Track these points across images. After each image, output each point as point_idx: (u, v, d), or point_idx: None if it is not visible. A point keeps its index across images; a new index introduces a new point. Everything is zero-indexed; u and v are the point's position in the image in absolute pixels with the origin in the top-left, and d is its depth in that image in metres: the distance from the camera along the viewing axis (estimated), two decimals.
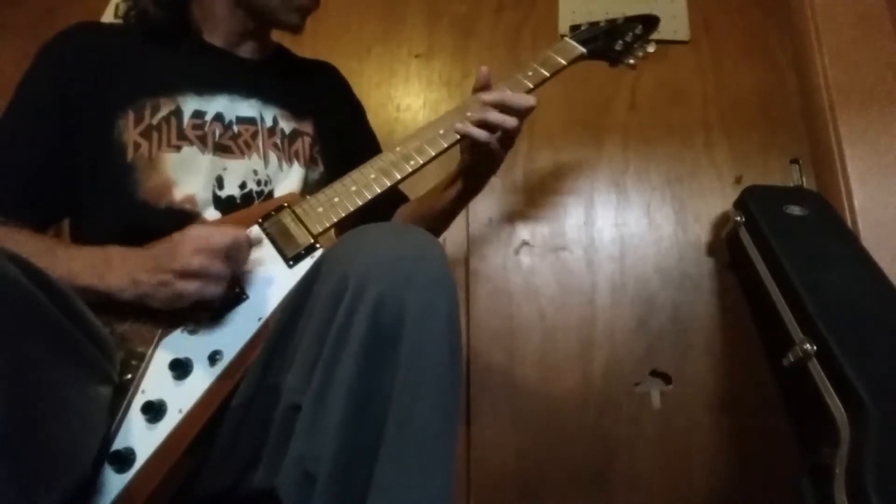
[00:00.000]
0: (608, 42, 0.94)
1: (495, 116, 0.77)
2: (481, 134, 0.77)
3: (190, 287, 0.63)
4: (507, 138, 0.80)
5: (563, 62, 0.89)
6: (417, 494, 0.50)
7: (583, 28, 0.95)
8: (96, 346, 0.60)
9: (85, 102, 0.77)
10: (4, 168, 0.76)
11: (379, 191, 0.77)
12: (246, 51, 0.89)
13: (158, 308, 0.66)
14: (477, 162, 0.84)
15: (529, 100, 0.79)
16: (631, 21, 0.96)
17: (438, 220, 0.94)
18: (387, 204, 0.96)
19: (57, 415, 0.52)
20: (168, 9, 0.83)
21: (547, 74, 0.87)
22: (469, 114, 0.79)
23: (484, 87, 0.81)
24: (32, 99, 0.78)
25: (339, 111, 0.98)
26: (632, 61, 0.96)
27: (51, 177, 0.76)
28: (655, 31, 0.96)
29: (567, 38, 0.92)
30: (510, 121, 0.77)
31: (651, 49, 0.96)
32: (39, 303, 0.51)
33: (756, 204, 1.16)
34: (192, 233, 0.65)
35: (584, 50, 0.91)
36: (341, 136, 0.94)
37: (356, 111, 1.05)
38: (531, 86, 0.86)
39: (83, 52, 0.79)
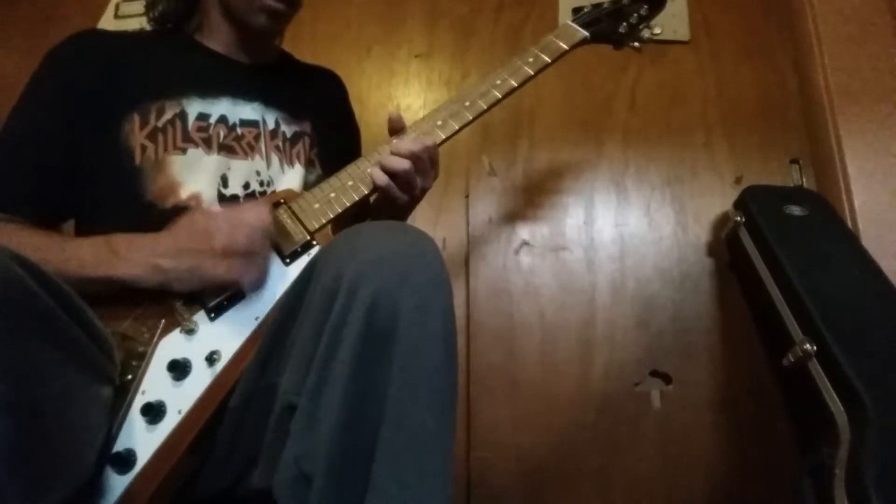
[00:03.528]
0: (612, 24, 0.91)
1: (391, 161, 0.75)
2: (380, 178, 0.75)
3: (234, 266, 0.64)
4: (404, 184, 0.76)
5: (565, 47, 0.86)
6: (415, 494, 0.50)
7: (585, 10, 0.92)
8: (98, 347, 0.60)
9: (90, 106, 0.78)
10: (10, 167, 0.76)
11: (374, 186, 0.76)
12: (246, 56, 0.89)
13: (181, 291, 0.66)
14: (383, 204, 0.81)
15: (415, 145, 0.74)
16: (636, 1, 0.92)
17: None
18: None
19: (61, 416, 0.52)
20: (174, 20, 0.88)
21: (548, 60, 0.85)
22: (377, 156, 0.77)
23: (397, 129, 0.79)
24: (38, 101, 0.79)
25: (335, 117, 0.98)
26: (636, 44, 0.94)
27: (56, 177, 0.77)
28: (661, 12, 0.93)
29: (569, 22, 0.89)
30: (401, 163, 0.74)
31: (657, 31, 0.94)
32: (44, 304, 0.51)
33: (756, 204, 1.16)
34: (217, 215, 0.66)
35: (586, 33, 0.88)
36: (335, 141, 0.94)
37: (350, 122, 1.05)
38: (532, 72, 0.84)
39: (89, 57, 0.80)
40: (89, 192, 0.78)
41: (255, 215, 0.66)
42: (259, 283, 0.68)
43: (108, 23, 1.45)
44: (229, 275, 0.65)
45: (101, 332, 0.61)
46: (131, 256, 0.66)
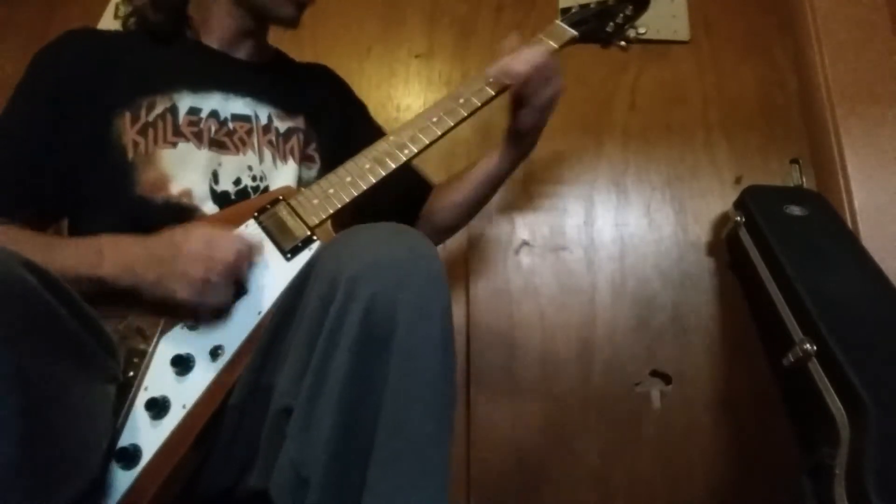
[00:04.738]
0: (599, 24, 0.94)
1: (510, 63, 0.79)
2: (513, 69, 0.79)
3: (194, 290, 0.64)
4: (535, 86, 0.80)
5: (555, 45, 0.89)
6: (412, 497, 0.50)
7: (573, 11, 0.95)
8: (102, 346, 0.60)
9: (81, 104, 0.78)
10: (1, 170, 0.76)
11: (374, 181, 0.77)
12: (241, 52, 0.90)
13: (151, 301, 0.66)
14: (518, 121, 0.85)
15: (535, 53, 0.79)
16: (621, 2, 0.96)
17: (487, 186, 0.94)
18: (411, 196, 0.98)
19: (66, 415, 0.52)
20: (166, 12, 0.85)
21: None
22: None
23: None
24: (29, 101, 0.79)
25: (335, 108, 0.98)
26: (623, 43, 0.97)
27: (47, 179, 0.77)
28: (645, 12, 0.97)
29: (558, 22, 0.92)
30: (522, 64, 0.78)
31: (642, 31, 0.97)
32: (47, 303, 0.52)
33: (756, 204, 1.16)
34: (196, 236, 0.65)
35: (575, 33, 0.91)
36: (340, 132, 0.94)
37: (355, 107, 1.05)
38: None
39: (79, 56, 0.80)
40: (81, 190, 0.78)
41: (225, 252, 0.65)
42: (217, 312, 0.67)
43: (107, 23, 1.45)
44: (189, 297, 0.64)
45: (104, 331, 0.61)
46: (113, 256, 0.66)
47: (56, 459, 0.50)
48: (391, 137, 0.81)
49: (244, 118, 0.84)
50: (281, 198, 0.76)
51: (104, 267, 0.66)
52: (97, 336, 0.59)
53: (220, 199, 0.79)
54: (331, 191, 0.76)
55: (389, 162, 0.78)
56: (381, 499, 0.50)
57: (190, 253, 0.64)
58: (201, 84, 0.83)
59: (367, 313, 0.52)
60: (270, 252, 0.71)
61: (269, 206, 0.75)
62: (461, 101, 0.82)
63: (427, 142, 0.80)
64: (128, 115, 0.78)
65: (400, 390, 0.52)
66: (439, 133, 0.81)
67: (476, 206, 0.97)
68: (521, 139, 0.89)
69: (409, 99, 1.42)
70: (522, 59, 0.79)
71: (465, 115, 0.82)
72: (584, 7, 0.96)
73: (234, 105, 0.84)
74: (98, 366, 0.59)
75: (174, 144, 0.78)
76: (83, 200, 0.78)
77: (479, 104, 0.83)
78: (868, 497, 0.74)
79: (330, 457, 0.51)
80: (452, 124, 0.81)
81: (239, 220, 0.74)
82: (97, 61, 0.80)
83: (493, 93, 0.83)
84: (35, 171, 0.76)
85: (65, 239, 0.74)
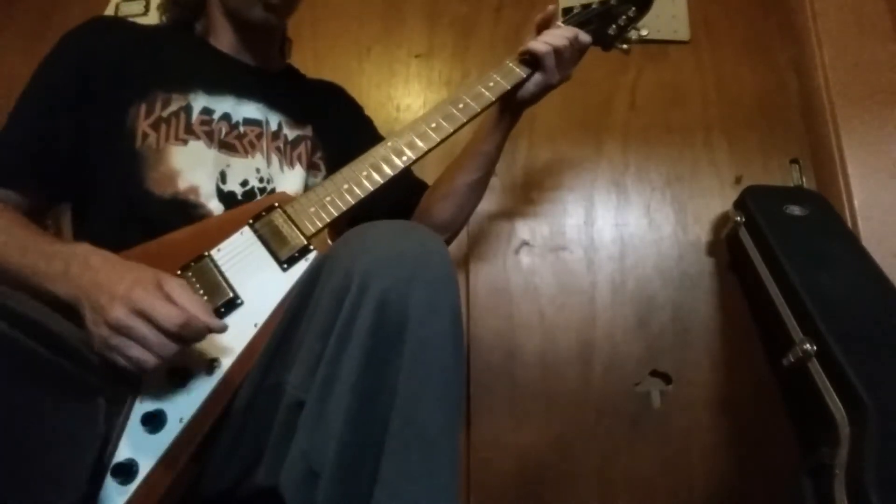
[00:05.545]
0: (601, 26, 0.92)
1: (551, 36, 0.84)
2: (541, 47, 0.82)
3: (98, 345, 0.57)
4: (559, 61, 0.84)
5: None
6: (423, 488, 0.50)
7: (575, 11, 0.93)
8: (78, 364, 0.58)
9: (100, 89, 0.78)
10: (12, 139, 0.76)
11: (372, 188, 0.76)
12: (251, 58, 0.91)
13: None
14: (535, 84, 0.86)
15: (570, 32, 0.84)
16: (624, 2, 0.93)
17: (485, 168, 0.93)
18: (406, 197, 0.97)
19: (43, 439, 0.52)
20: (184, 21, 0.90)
21: None
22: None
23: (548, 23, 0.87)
24: (52, 77, 0.79)
25: (342, 122, 0.99)
26: (625, 46, 0.95)
27: (58, 152, 0.77)
28: (647, 13, 0.94)
29: (559, 24, 0.90)
30: (560, 40, 0.83)
31: (644, 33, 0.94)
32: (13, 340, 0.51)
33: (756, 204, 1.16)
34: (144, 286, 0.57)
35: (524, 75, 0.88)
36: (346, 145, 0.94)
37: (363, 123, 1.05)
38: (524, 76, 0.85)
39: (105, 42, 0.81)
40: (92, 176, 0.78)
41: (167, 314, 0.55)
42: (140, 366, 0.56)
43: None
44: (103, 346, 0.56)
45: (80, 350, 0.59)
46: (73, 277, 0.60)
47: (35, 483, 0.50)
48: (389, 143, 0.80)
49: (255, 122, 0.85)
50: (276, 204, 0.75)
51: (60, 286, 0.60)
52: (72, 356, 0.57)
53: (227, 198, 0.79)
54: (327, 199, 0.75)
55: (387, 169, 0.77)
56: (392, 490, 0.50)
57: (125, 300, 0.55)
58: (216, 86, 0.84)
59: (380, 308, 0.52)
60: (266, 262, 0.71)
61: (264, 213, 0.74)
62: (460, 106, 0.81)
63: (425, 148, 0.79)
64: (143, 107, 0.79)
65: (412, 383, 0.52)
66: (438, 139, 0.80)
67: (475, 189, 0.94)
68: (512, 107, 0.88)
69: (409, 99, 1.42)
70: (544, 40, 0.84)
71: (465, 120, 0.81)
72: (585, 7, 0.93)
73: (246, 109, 0.85)
74: (77, 387, 0.58)
75: (185, 142, 0.79)
76: (92, 187, 0.78)
77: (479, 109, 0.82)
78: (868, 497, 0.74)
79: (342, 447, 0.51)
80: (452, 130, 0.80)
81: (234, 227, 0.74)
82: (121, 49, 0.81)
83: (492, 98, 0.83)
84: (46, 143, 0.76)
85: (46, 245, 0.66)
